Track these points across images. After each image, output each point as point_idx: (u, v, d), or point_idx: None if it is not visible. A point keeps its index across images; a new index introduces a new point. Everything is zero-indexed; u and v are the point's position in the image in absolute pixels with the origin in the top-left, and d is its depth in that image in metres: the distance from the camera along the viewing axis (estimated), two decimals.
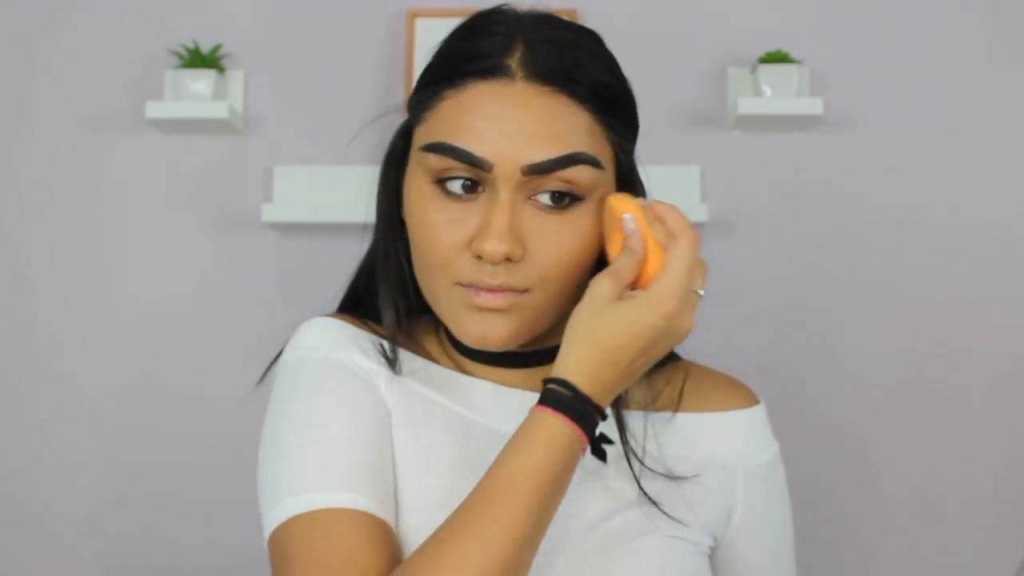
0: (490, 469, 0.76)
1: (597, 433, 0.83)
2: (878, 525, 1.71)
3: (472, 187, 0.81)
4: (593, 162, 0.81)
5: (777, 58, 1.69)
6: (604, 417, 0.79)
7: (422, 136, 0.84)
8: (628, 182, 0.87)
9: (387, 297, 0.92)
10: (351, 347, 0.91)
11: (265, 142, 1.78)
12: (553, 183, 0.81)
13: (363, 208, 1.71)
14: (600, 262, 0.86)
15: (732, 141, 1.76)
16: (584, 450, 0.78)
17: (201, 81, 1.71)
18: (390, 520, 0.81)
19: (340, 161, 1.74)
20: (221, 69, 1.74)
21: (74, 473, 1.73)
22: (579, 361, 0.78)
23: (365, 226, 0.97)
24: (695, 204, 1.70)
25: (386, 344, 0.92)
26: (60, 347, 1.75)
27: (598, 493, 0.86)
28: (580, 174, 0.81)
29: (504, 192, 0.80)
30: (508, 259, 0.80)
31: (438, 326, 0.96)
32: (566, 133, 0.80)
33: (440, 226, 0.82)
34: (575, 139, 0.81)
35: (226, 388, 1.71)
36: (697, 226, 1.70)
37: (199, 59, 1.72)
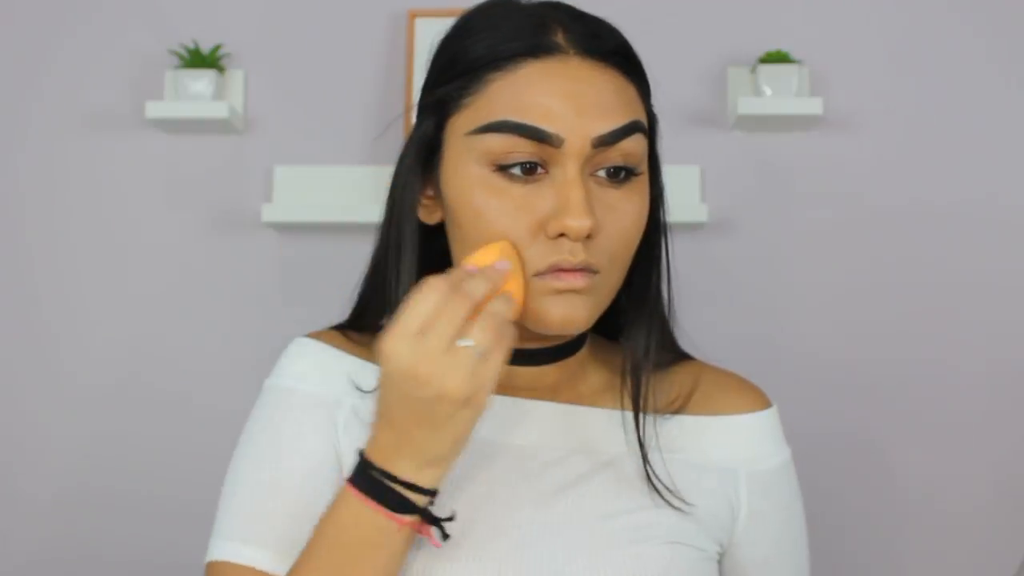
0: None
1: (424, 506, 0.75)
2: (877, 525, 1.70)
3: (533, 169, 0.80)
4: (645, 131, 0.83)
5: (777, 58, 1.69)
6: (416, 489, 0.73)
7: (468, 121, 0.81)
8: (655, 150, 0.89)
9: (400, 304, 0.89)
10: (319, 373, 0.90)
11: (265, 142, 1.78)
12: (614, 157, 0.81)
13: (363, 208, 1.72)
14: (641, 245, 0.86)
15: (732, 141, 1.75)
16: (393, 521, 0.74)
17: (201, 81, 1.71)
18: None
19: (340, 161, 1.74)
20: (221, 69, 1.74)
21: (63, 465, 1.73)
22: (374, 425, 0.76)
23: (377, 226, 0.94)
24: (695, 204, 1.70)
25: (360, 371, 0.90)
26: (59, 345, 1.75)
27: (610, 490, 0.85)
28: (637, 144, 0.81)
29: (573, 168, 0.79)
30: (588, 236, 0.79)
31: None
32: (623, 104, 0.81)
33: (507, 212, 0.79)
34: (631, 110, 0.82)
35: (225, 388, 1.71)
36: (696, 227, 1.70)
37: (199, 59, 1.72)
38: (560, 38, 0.81)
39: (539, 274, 0.80)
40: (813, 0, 1.77)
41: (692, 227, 1.70)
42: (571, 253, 0.79)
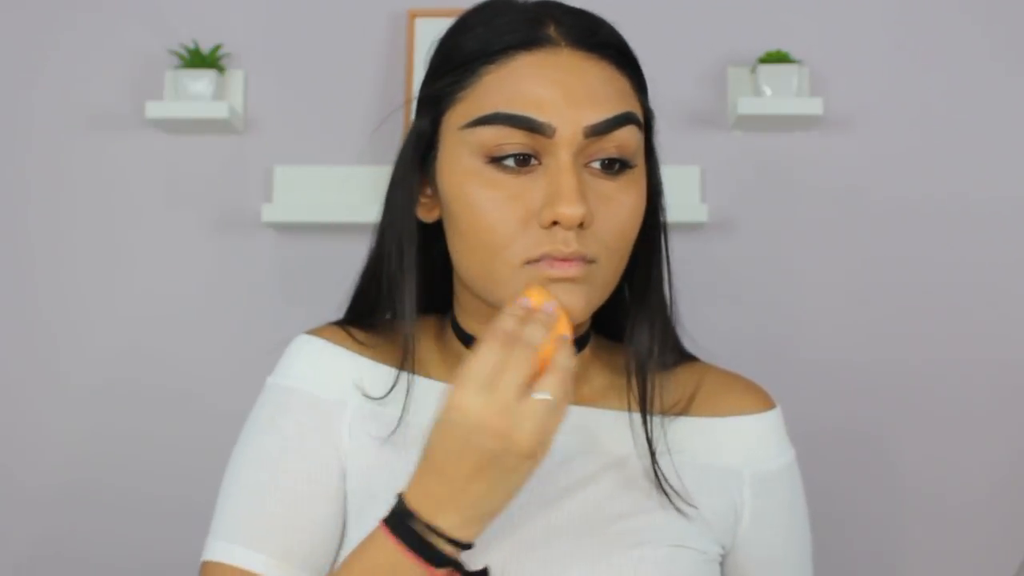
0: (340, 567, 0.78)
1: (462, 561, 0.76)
2: (877, 524, 1.70)
3: (526, 160, 0.80)
4: (639, 124, 0.83)
5: (777, 58, 1.69)
6: (457, 543, 0.74)
7: (462, 115, 0.82)
8: (652, 146, 0.89)
9: (406, 305, 0.87)
10: (324, 374, 0.90)
11: (265, 142, 1.78)
12: (608, 148, 0.81)
13: (363, 208, 1.72)
14: (642, 243, 0.86)
15: (732, 141, 1.75)
16: (429, 572, 0.74)
17: (201, 81, 1.71)
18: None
19: (340, 161, 1.74)
20: (221, 69, 1.74)
21: (62, 463, 1.73)
22: (418, 473, 0.75)
23: (374, 226, 0.94)
24: (695, 204, 1.70)
25: (365, 373, 0.90)
26: (59, 343, 1.75)
27: (615, 492, 0.85)
28: (631, 136, 0.81)
29: (566, 156, 0.79)
30: (581, 224, 0.78)
31: (440, 332, 0.94)
32: (615, 95, 0.81)
33: (499, 203, 0.80)
34: (623, 101, 0.82)
35: (224, 387, 1.71)
36: (696, 227, 1.70)
37: (199, 59, 1.72)
38: (552, 31, 0.82)
39: (531, 262, 0.79)
40: (813, 0, 1.77)
41: (692, 227, 1.70)
42: (564, 243, 0.78)
